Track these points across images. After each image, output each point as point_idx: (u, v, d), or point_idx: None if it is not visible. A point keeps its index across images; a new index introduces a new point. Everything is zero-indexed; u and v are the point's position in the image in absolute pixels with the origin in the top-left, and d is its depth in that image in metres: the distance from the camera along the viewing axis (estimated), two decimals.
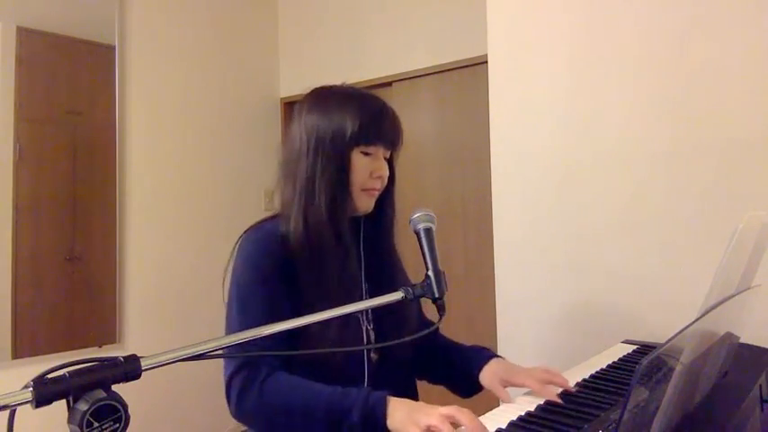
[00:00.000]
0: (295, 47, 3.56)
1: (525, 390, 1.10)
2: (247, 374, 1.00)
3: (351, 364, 1.10)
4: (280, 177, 1.16)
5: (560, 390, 1.07)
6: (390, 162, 1.18)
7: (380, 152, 1.13)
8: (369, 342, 1.13)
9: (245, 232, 1.15)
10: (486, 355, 1.21)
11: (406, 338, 0.84)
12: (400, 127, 1.16)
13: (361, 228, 1.20)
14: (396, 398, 0.95)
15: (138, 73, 2.92)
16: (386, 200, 1.19)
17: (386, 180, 1.15)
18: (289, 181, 1.13)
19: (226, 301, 1.11)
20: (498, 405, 1.05)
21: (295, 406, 0.97)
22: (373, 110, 1.12)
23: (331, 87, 1.17)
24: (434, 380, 1.30)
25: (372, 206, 1.16)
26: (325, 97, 1.15)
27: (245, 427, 1.08)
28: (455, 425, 0.85)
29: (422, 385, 1.30)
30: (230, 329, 1.07)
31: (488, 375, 1.15)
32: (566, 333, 1.78)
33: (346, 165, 1.09)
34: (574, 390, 1.08)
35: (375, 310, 1.14)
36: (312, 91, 1.19)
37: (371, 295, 1.15)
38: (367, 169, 1.11)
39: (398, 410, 0.92)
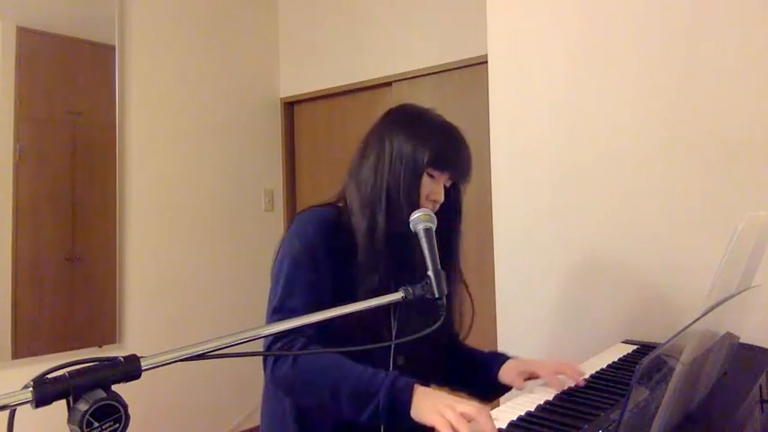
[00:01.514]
0: (295, 47, 3.55)
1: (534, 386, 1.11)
2: (285, 343, 1.04)
3: (375, 365, 1.11)
4: (349, 172, 1.21)
5: (571, 381, 1.12)
6: (457, 195, 1.25)
7: (443, 178, 1.18)
8: (394, 348, 1.16)
9: (301, 211, 1.21)
10: (503, 357, 1.29)
11: (413, 336, 0.85)
12: (471, 163, 1.22)
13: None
14: (422, 386, 0.98)
15: (138, 73, 2.92)
16: (453, 225, 1.24)
17: (438, 204, 1.18)
18: (359, 176, 1.18)
19: (273, 270, 1.15)
20: (498, 405, 1.05)
21: (324, 381, 1.02)
22: (453, 141, 1.19)
23: (421, 110, 1.23)
24: (456, 385, 1.33)
25: None
26: (416, 116, 1.22)
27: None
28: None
29: None
30: (274, 297, 1.12)
31: (507, 371, 1.23)
32: (566, 333, 1.78)
33: (419, 181, 1.15)
34: (583, 383, 1.12)
35: (403, 312, 1.18)
36: (403, 107, 1.26)
37: (407, 324, 1.18)
38: (426, 189, 1.16)
39: (422, 399, 0.95)
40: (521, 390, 1.17)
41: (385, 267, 1.12)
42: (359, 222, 1.14)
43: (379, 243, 1.12)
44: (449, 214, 1.22)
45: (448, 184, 1.21)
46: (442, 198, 1.18)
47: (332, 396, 1.00)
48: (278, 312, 1.09)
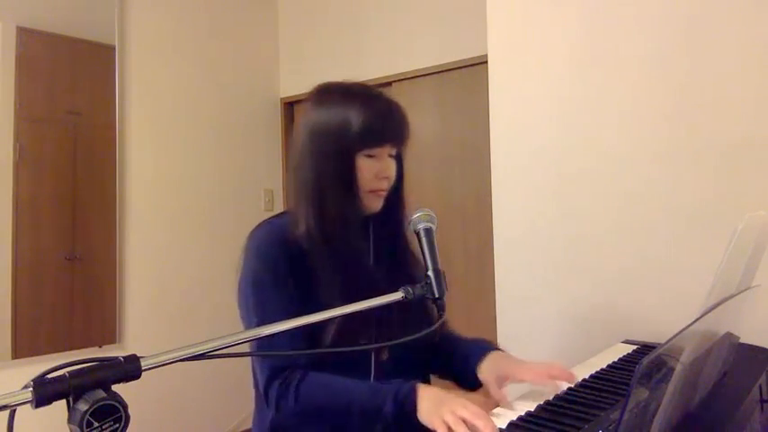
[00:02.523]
0: (295, 47, 3.55)
1: (523, 389, 1.10)
2: (282, 381, 1.03)
3: (359, 361, 1.11)
4: (288, 176, 1.16)
5: (562, 384, 1.08)
6: (399, 158, 1.17)
7: (386, 152, 1.12)
8: (378, 342, 1.12)
9: (255, 230, 1.14)
10: (485, 348, 1.19)
11: (405, 338, 0.84)
12: (406, 123, 1.14)
13: (370, 227, 1.19)
14: (425, 387, 0.98)
15: (138, 73, 2.92)
16: (394, 197, 1.18)
17: (393, 179, 1.14)
18: (295, 181, 1.14)
19: (240, 299, 1.11)
20: (498, 405, 1.05)
21: (330, 406, 1.01)
22: (377, 111, 1.10)
23: (334, 85, 1.15)
24: (438, 374, 1.29)
25: (381, 205, 1.15)
26: (328, 96, 1.13)
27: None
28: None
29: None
30: (247, 327, 1.08)
31: (485, 371, 1.13)
32: (566, 333, 1.78)
33: (352, 169, 1.09)
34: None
35: (384, 309, 1.14)
36: (317, 87, 1.17)
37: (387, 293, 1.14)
38: (372, 171, 1.10)
39: (425, 401, 0.95)
40: (498, 400, 1.07)
41: (333, 272, 1.07)
42: (305, 229, 1.09)
43: (321, 248, 1.08)
44: (394, 187, 1.17)
45: (394, 153, 1.14)
46: (392, 171, 1.13)
47: (340, 418, 1.00)
48: (259, 342, 1.03)
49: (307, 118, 1.14)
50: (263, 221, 1.17)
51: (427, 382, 1.26)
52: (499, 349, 1.21)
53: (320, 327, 1.03)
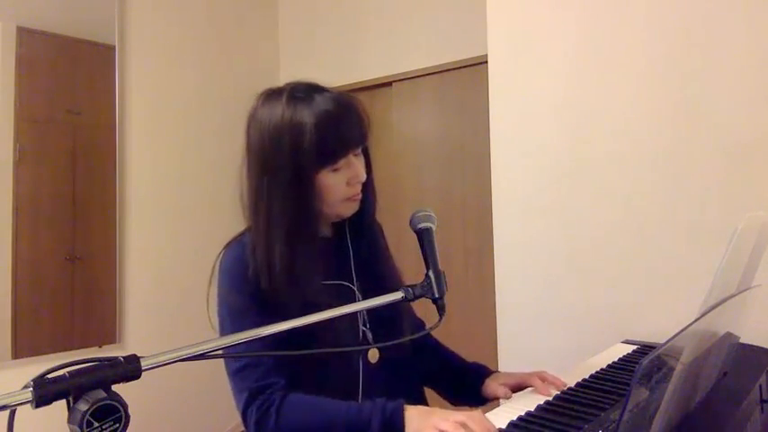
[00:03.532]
0: (295, 47, 3.55)
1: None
2: (261, 403, 0.97)
3: (347, 368, 1.08)
4: (243, 194, 1.06)
5: (554, 389, 1.09)
6: (365, 151, 1.09)
7: (350, 157, 1.03)
8: (366, 343, 1.11)
9: (224, 249, 1.10)
10: (486, 371, 1.22)
11: (401, 339, 0.84)
12: (365, 122, 1.05)
13: (346, 227, 1.16)
14: (411, 406, 0.95)
15: (138, 73, 2.92)
16: (364, 192, 1.10)
17: (363, 179, 1.06)
18: (250, 204, 1.04)
19: (217, 319, 1.07)
20: (498, 405, 1.05)
21: (314, 425, 0.96)
22: (335, 121, 0.99)
23: (279, 92, 1.04)
24: (438, 391, 1.29)
25: (357, 207, 1.10)
26: (273, 107, 1.03)
27: (245, 428, 1.08)
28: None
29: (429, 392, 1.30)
30: (233, 360, 1.02)
31: (490, 385, 1.17)
32: (566, 333, 1.78)
33: (311, 190, 1.00)
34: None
35: (371, 311, 1.12)
36: (260, 95, 1.08)
37: (364, 291, 1.12)
38: (342, 182, 1.03)
39: (415, 418, 0.92)
40: (507, 398, 1.11)
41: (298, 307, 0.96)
42: (261, 259, 1.00)
43: (281, 283, 1.00)
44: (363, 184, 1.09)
45: (359, 152, 1.06)
46: (361, 173, 1.04)
47: None
48: (243, 369, 0.99)
49: (253, 131, 1.05)
50: (232, 240, 1.11)
51: (420, 390, 1.25)
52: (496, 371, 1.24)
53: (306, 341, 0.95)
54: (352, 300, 1.11)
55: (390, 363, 1.13)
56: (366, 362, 1.09)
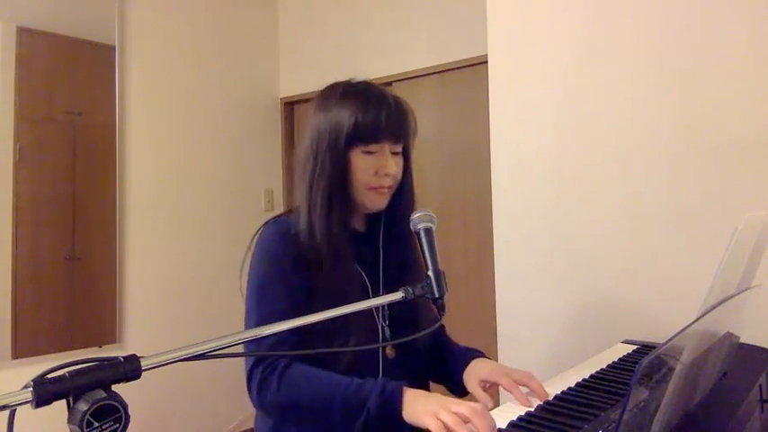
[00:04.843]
0: (295, 47, 3.55)
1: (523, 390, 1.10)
2: (265, 368, 1.02)
3: (365, 361, 1.11)
4: (296, 174, 1.18)
5: (534, 395, 1.04)
6: (406, 156, 1.17)
7: (386, 149, 1.11)
8: (384, 340, 1.13)
9: (263, 226, 1.17)
10: (469, 356, 1.20)
11: (414, 335, 0.84)
12: (406, 118, 1.14)
13: (381, 224, 1.20)
14: (411, 388, 0.96)
15: (138, 73, 2.92)
16: (401, 194, 1.17)
17: (398, 176, 1.14)
18: (298, 179, 1.15)
19: (245, 290, 1.13)
20: (498, 405, 1.05)
21: (312, 398, 1.00)
22: (372, 107, 1.08)
23: (339, 84, 1.15)
24: (434, 379, 1.30)
25: (385, 203, 1.15)
26: (330, 94, 1.14)
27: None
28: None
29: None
30: (249, 321, 1.09)
31: (468, 377, 1.15)
32: (566, 333, 1.78)
33: (345, 166, 1.09)
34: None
35: (391, 307, 1.14)
36: (325, 87, 1.18)
37: (388, 291, 1.14)
38: (371, 168, 1.10)
39: (414, 401, 0.93)
40: (481, 401, 1.06)
41: (333, 275, 1.08)
42: (302, 229, 1.10)
43: (321, 243, 1.08)
44: (400, 183, 1.16)
45: (398, 149, 1.13)
46: (393, 168, 1.11)
47: (323, 413, 0.99)
48: (257, 339, 1.06)
49: (310, 117, 1.15)
50: (271, 219, 1.19)
51: (426, 386, 1.26)
52: (484, 356, 1.22)
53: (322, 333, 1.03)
54: (365, 296, 1.13)
55: (405, 360, 1.16)
56: (384, 356, 1.13)
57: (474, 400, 1.05)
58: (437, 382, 1.28)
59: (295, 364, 1.03)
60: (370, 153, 1.09)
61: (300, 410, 1.02)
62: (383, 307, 1.14)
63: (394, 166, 1.12)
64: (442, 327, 1.31)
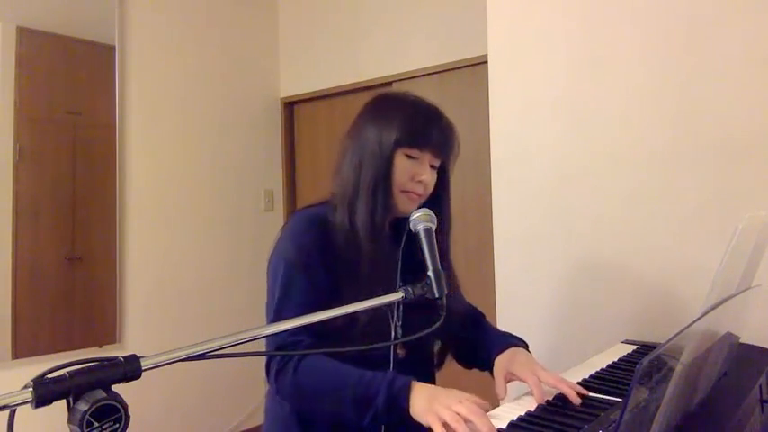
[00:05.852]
0: (295, 47, 3.55)
1: (524, 388, 1.10)
2: (284, 355, 1.06)
3: (376, 359, 1.11)
4: (335, 168, 1.21)
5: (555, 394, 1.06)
6: (444, 172, 1.22)
7: (426, 158, 1.15)
8: (396, 338, 1.15)
9: (294, 213, 1.20)
10: (507, 341, 1.23)
11: (414, 335, 0.86)
12: (451, 136, 1.19)
13: (407, 229, 1.20)
14: (419, 383, 0.98)
15: (138, 73, 2.92)
16: (439, 210, 1.15)
17: (429, 187, 1.17)
18: (339, 174, 1.18)
19: (269, 273, 1.15)
20: (498, 405, 1.05)
21: (325, 389, 1.03)
22: (422, 116, 1.16)
23: (391, 93, 1.24)
24: (463, 361, 1.32)
25: (413, 209, 1.14)
26: (382, 101, 1.22)
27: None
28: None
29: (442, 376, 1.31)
30: (271, 303, 1.11)
31: (498, 365, 1.17)
32: (566, 333, 1.78)
33: (389, 165, 1.13)
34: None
35: (405, 306, 1.15)
36: (376, 96, 1.25)
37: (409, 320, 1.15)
38: (408, 172, 1.14)
39: (420, 398, 0.95)
40: (498, 393, 1.11)
41: (369, 265, 1.11)
42: (340, 219, 1.13)
43: (360, 239, 1.11)
44: (435, 197, 1.20)
45: (436, 164, 1.18)
46: (428, 177, 1.15)
47: (334, 404, 1.02)
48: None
49: (360, 119, 1.20)
50: (304, 207, 1.22)
51: (433, 381, 1.28)
52: (522, 344, 1.25)
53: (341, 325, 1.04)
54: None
55: (418, 357, 1.19)
56: (395, 355, 1.15)
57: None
58: (466, 364, 1.31)
59: (311, 355, 1.06)
60: (411, 158, 1.14)
61: (313, 399, 1.06)
62: (397, 306, 1.15)
63: (428, 176, 1.16)
64: (482, 314, 1.38)
